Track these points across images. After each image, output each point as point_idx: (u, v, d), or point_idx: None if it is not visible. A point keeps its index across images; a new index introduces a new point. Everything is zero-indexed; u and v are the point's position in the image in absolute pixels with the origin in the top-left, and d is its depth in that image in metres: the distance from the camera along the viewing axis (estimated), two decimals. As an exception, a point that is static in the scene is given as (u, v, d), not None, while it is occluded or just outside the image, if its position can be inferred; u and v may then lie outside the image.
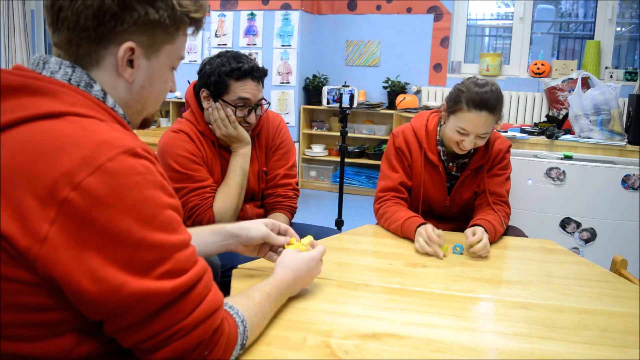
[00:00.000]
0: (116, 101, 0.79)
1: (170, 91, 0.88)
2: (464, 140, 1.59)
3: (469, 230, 1.49)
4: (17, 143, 0.66)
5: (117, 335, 0.70)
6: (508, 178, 1.76)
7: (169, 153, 1.60)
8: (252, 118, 1.64)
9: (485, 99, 1.54)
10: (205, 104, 1.64)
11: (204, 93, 1.63)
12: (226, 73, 1.57)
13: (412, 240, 1.53)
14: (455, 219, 1.84)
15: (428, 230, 1.47)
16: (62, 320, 0.68)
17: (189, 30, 0.84)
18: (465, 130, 1.57)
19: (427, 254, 1.44)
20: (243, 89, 1.59)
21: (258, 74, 1.61)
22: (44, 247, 0.62)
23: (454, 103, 1.59)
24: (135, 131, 0.82)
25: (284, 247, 1.14)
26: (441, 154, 1.74)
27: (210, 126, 1.65)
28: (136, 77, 0.79)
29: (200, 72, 1.63)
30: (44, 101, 0.69)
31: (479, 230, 1.47)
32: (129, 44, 0.75)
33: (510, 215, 1.73)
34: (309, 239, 1.17)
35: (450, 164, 1.76)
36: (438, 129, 1.74)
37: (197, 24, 0.83)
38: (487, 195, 1.70)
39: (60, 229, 0.62)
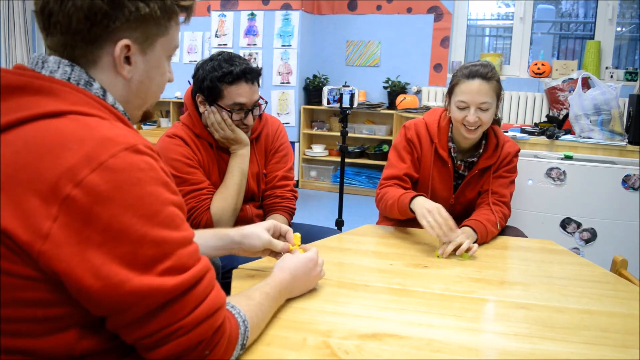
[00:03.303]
0: (116, 98, 0.79)
1: (169, 81, 0.88)
2: (466, 115, 1.62)
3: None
4: (21, 142, 0.66)
5: (119, 331, 0.70)
6: (512, 182, 1.78)
7: (163, 158, 1.59)
8: (249, 120, 1.64)
9: (475, 69, 1.63)
10: (201, 108, 1.63)
11: (199, 98, 1.62)
12: (218, 78, 1.56)
13: (409, 219, 1.56)
14: (458, 219, 1.84)
15: (440, 209, 1.44)
16: (64, 316, 0.69)
17: (180, 19, 0.83)
18: (464, 101, 1.63)
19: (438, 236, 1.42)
20: (237, 93, 1.58)
21: (251, 76, 1.59)
22: (46, 244, 0.63)
23: (451, 84, 1.69)
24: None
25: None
26: (452, 150, 1.75)
27: (208, 129, 1.65)
28: (134, 73, 0.79)
29: (194, 77, 1.63)
30: (46, 100, 0.69)
31: (457, 232, 1.47)
32: (124, 41, 0.75)
33: (508, 218, 1.74)
34: (297, 235, 1.18)
35: (459, 162, 1.77)
36: (450, 126, 1.76)
37: (188, 11, 0.83)
38: (489, 195, 1.71)
39: (62, 226, 0.63)
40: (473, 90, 1.61)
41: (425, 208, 1.46)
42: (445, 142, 1.75)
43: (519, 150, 1.80)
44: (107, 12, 0.72)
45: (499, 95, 1.67)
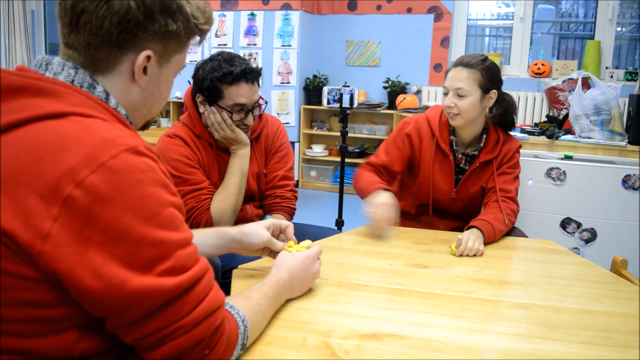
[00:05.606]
0: (125, 105, 0.80)
1: None
2: (446, 101, 1.70)
3: (461, 236, 1.49)
4: (21, 143, 0.66)
5: (118, 331, 0.70)
6: (517, 177, 1.78)
7: (163, 158, 1.59)
8: (249, 120, 1.64)
9: (461, 59, 1.70)
10: (201, 109, 1.63)
11: (199, 98, 1.62)
12: (218, 79, 1.56)
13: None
14: (459, 215, 1.85)
15: (384, 206, 1.53)
16: (63, 317, 0.69)
17: (194, 40, 0.85)
18: (445, 87, 1.72)
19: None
20: (237, 93, 1.58)
21: (251, 76, 1.59)
22: (47, 244, 0.63)
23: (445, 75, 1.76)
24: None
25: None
26: (454, 144, 1.77)
27: (208, 129, 1.65)
28: (148, 83, 0.81)
29: (194, 77, 1.63)
30: (47, 102, 0.70)
31: (465, 235, 1.48)
32: (147, 52, 0.77)
33: (517, 213, 1.73)
34: (307, 242, 1.17)
35: (460, 156, 1.78)
36: None
37: (203, 35, 0.85)
38: (496, 193, 1.71)
39: (62, 226, 0.63)
40: (451, 76, 1.69)
41: (374, 202, 1.55)
42: (447, 136, 1.77)
43: (520, 146, 1.81)
44: (139, 22, 0.74)
45: (484, 88, 1.66)
